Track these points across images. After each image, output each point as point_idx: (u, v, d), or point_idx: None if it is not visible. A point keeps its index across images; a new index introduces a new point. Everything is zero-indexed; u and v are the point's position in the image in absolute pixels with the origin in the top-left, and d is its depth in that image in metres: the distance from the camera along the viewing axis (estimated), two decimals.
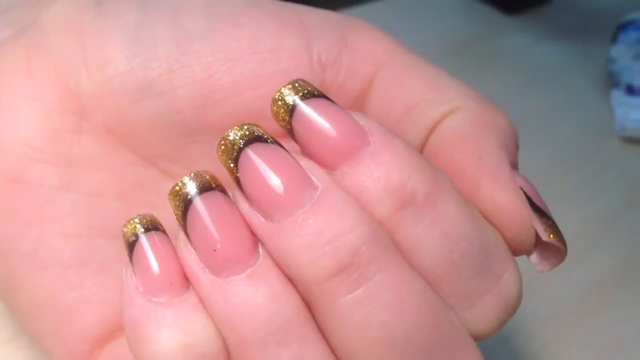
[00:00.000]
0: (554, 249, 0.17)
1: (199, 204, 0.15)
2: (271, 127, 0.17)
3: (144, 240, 0.16)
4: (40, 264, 0.18)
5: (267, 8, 0.20)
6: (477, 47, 0.51)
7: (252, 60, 0.19)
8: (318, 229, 0.15)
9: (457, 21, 0.54)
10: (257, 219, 0.15)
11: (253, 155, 0.15)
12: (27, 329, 0.19)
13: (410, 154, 0.16)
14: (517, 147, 0.19)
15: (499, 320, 0.16)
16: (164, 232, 0.16)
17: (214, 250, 0.15)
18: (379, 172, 0.15)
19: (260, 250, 0.16)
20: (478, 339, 0.17)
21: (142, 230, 0.16)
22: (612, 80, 0.44)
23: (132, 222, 0.16)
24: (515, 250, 0.17)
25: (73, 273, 0.18)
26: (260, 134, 0.16)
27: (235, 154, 0.16)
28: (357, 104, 0.19)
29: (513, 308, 0.17)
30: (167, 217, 0.17)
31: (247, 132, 0.16)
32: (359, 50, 0.19)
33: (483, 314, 0.16)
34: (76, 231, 0.18)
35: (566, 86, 0.47)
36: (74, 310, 0.18)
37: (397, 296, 0.15)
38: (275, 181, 0.15)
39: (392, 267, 0.15)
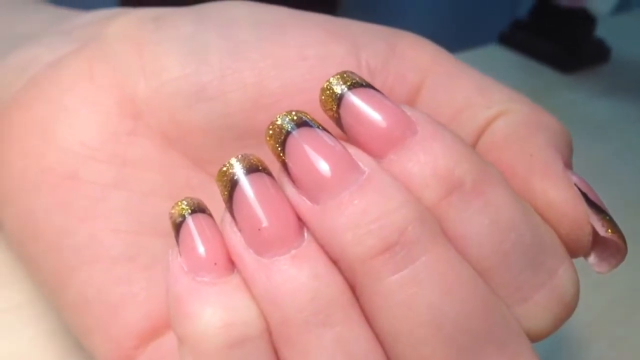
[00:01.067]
0: (613, 248, 0.17)
1: (245, 184, 0.16)
2: None
3: (190, 221, 0.16)
4: (90, 258, 0.18)
5: (313, 18, 0.20)
6: (533, 101, 0.50)
7: (300, 67, 0.19)
8: (363, 207, 0.15)
9: (515, 78, 0.54)
10: (302, 202, 0.15)
11: (300, 139, 0.16)
12: (72, 324, 0.19)
13: (458, 142, 0.16)
14: (570, 149, 0.18)
15: (554, 318, 0.16)
16: (210, 215, 0.17)
17: (259, 230, 0.15)
18: (427, 158, 0.15)
19: (306, 234, 0.15)
20: (533, 339, 0.16)
21: (189, 211, 0.16)
22: None
23: (179, 203, 0.17)
24: (572, 249, 0.16)
25: (121, 268, 0.18)
26: (307, 120, 0.16)
27: (282, 138, 0.16)
28: None
29: (570, 306, 0.16)
30: (215, 218, 0.17)
31: (295, 117, 0.16)
32: (406, 57, 0.19)
33: (537, 310, 0.16)
34: (126, 228, 0.19)
35: (620, 141, 0.46)
36: (120, 306, 0.18)
37: (445, 279, 0.14)
38: (321, 164, 0.15)
39: (439, 250, 0.15)
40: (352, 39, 0.20)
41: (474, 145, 0.18)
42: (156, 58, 0.20)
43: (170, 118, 0.19)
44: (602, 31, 0.57)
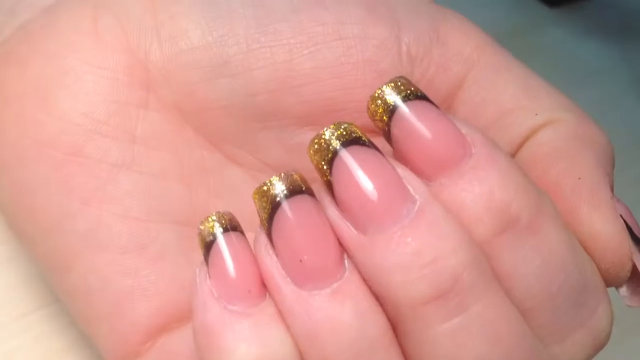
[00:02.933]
0: None
1: (287, 208, 0.14)
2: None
3: (222, 241, 0.15)
4: (96, 246, 0.17)
5: None
6: (517, 40, 0.49)
7: (336, 46, 0.17)
8: (417, 248, 0.14)
9: (498, 12, 0.52)
10: (346, 229, 0.14)
11: (350, 159, 0.14)
12: (74, 312, 0.18)
13: (515, 171, 0.15)
14: (613, 166, 0.17)
15: (586, 357, 0.15)
16: (242, 233, 0.15)
17: (300, 261, 0.14)
18: (482, 188, 0.14)
19: (346, 262, 0.14)
20: None
21: (221, 230, 0.15)
22: None
23: (210, 220, 0.15)
24: (607, 282, 0.16)
25: (130, 258, 0.17)
26: (358, 136, 0.14)
27: (330, 156, 0.14)
28: (444, 104, 0.18)
29: (601, 345, 0.16)
30: (229, 207, 0.16)
31: (344, 132, 0.14)
32: (450, 44, 0.18)
33: (573, 349, 0.15)
34: (136, 213, 0.17)
35: (604, 87, 0.45)
36: (128, 298, 0.17)
37: (495, 328, 0.14)
38: (372, 191, 0.14)
39: (491, 296, 0.14)
40: (395, 20, 0.18)
41: (514, 153, 0.17)
42: (173, 19, 0.17)
43: (186, 92, 0.17)
44: None
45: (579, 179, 0.16)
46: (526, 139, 0.17)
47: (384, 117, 0.15)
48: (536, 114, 0.17)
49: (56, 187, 0.17)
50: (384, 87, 0.15)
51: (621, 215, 0.16)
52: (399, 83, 0.15)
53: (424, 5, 0.19)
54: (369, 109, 0.15)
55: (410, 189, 0.14)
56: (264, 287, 0.15)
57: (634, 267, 0.16)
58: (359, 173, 0.14)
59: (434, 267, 0.13)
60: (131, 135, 0.17)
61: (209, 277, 0.15)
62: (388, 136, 0.15)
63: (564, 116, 0.17)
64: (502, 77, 0.18)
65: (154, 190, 0.17)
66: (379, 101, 0.15)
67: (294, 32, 0.17)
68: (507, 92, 0.18)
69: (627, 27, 0.53)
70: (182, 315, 0.17)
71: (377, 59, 0.17)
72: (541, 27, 0.51)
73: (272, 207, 0.14)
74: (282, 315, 0.14)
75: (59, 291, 0.18)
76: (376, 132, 0.15)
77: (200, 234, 0.15)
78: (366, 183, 0.14)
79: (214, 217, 0.15)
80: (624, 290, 0.17)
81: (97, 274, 0.17)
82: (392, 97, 0.15)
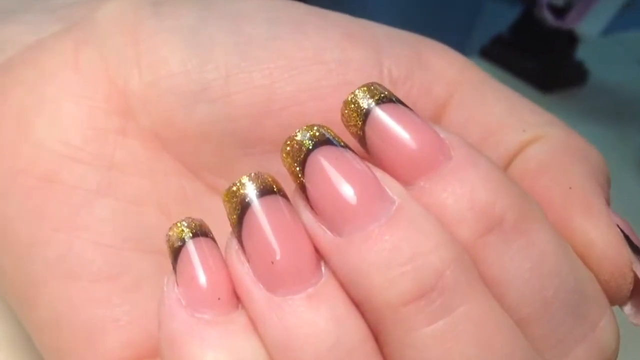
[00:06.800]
0: None
1: (258, 208, 0.14)
2: None
3: (191, 246, 0.14)
4: (65, 274, 0.16)
5: (333, 18, 0.18)
6: None
7: (316, 70, 0.17)
8: (395, 244, 0.13)
9: None
10: (321, 232, 0.13)
11: (323, 160, 0.14)
12: (41, 345, 0.17)
13: (496, 171, 0.14)
14: (609, 184, 0.17)
15: None
16: (213, 239, 0.14)
17: (272, 263, 0.13)
18: (463, 189, 0.14)
19: (323, 268, 0.14)
20: None
21: (190, 235, 0.14)
22: None
23: (179, 225, 0.14)
24: (610, 298, 0.15)
25: (101, 287, 0.16)
26: (330, 137, 0.14)
27: (302, 157, 0.14)
28: None
29: None
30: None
31: (316, 133, 0.14)
32: (432, 68, 0.18)
33: None
34: (110, 241, 0.16)
35: None
36: (99, 330, 0.16)
37: (485, 332, 0.13)
38: (346, 190, 0.13)
39: (478, 297, 0.13)
40: (374, 44, 0.18)
41: (504, 170, 0.17)
42: (153, 49, 0.17)
43: (165, 118, 0.17)
44: (581, 53, 0.57)
45: (570, 188, 0.15)
46: (514, 155, 0.17)
47: (358, 122, 0.14)
48: (523, 130, 0.17)
49: (29, 214, 0.16)
50: (357, 91, 0.15)
51: (618, 226, 0.15)
52: (372, 87, 0.15)
53: (404, 33, 0.19)
54: (342, 114, 0.15)
55: (388, 190, 0.13)
56: (235, 296, 0.14)
57: (637, 281, 0.15)
58: (333, 173, 0.13)
59: (415, 264, 0.13)
60: (108, 161, 0.17)
61: (177, 284, 0.14)
62: (363, 142, 0.15)
63: (552, 131, 0.17)
64: (487, 98, 0.18)
65: (130, 217, 0.17)
66: (352, 105, 0.15)
67: (274, 57, 0.17)
68: (492, 111, 0.17)
69: (618, 110, 0.54)
70: (155, 350, 0.16)
71: (357, 82, 0.17)
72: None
73: (242, 208, 0.14)
74: (254, 324, 0.13)
75: (26, 324, 0.17)
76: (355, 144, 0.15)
77: (169, 239, 0.14)
78: (341, 183, 0.13)
79: (184, 223, 0.14)
80: (628, 308, 0.15)
81: (66, 303, 0.16)
82: (366, 100, 0.14)
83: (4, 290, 0.17)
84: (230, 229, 0.14)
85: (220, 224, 0.18)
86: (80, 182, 0.17)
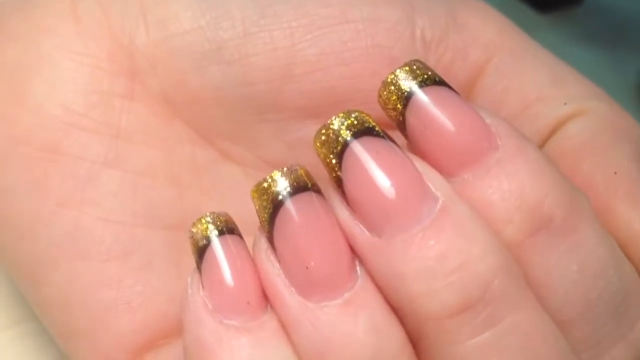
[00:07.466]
0: None
1: (291, 208, 0.13)
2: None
3: (217, 246, 0.13)
4: (74, 253, 0.15)
5: None
6: None
7: (343, 30, 0.16)
8: (441, 252, 0.12)
9: None
10: (358, 231, 0.13)
11: (362, 152, 0.12)
12: (50, 325, 0.16)
13: (547, 165, 0.13)
14: None
15: None
16: (240, 236, 0.13)
17: (307, 268, 0.12)
18: (511, 185, 0.13)
19: (358, 268, 0.13)
20: None
21: (216, 233, 0.13)
22: None
23: (203, 221, 0.13)
24: None
25: (112, 267, 0.15)
26: (371, 126, 0.13)
27: (339, 148, 0.13)
28: (462, 93, 0.16)
29: None
30: (224, 208, 0.14)
31: (355, 122, 0.13)
32: (469, 29, 0.16)
33: None
34: (120, 217, 0.15)
35: None
36: (111, 312, 0.15)
37: (530, 344, 0.12)
38: (388, 187, 0.12)
39: (525, 307, 0.12)
40: (407, 1, 0.16)
41: (541, 146, 0.16)
42: (161, 2, 0.16)
43: (176, 81, 0.16)
44: None
45: (615, 173, 0.15)
46: (554, 130, 0.16)
47: (398, 105, 0.13)
48: (565, 103, 0.16)
49: (30, 189, 0.15)
50: (398, 71, 0.13)
51: None
52: (415, 67, 0.13)
53: None
54: (380, 96, 0.13)
55: (431, 185, 0.12)
56: (264, 298, 0.13)
57: None
58: (373, 168, 0.12)
59: (461, 274, 0.12)
60: (114, 129, 0.16)
61: (203, 287, 0.13)
62: (403, 127, 0.13)
63: (595, 106, 0.16)
64: (527, 64, 0.16)
65: (140, 190, 0.16)
66: (392, 87, 0.13)
67: (296, 15, 0.16)
68: (532, 80, 0.16)
69: (616, 33, 0.53)
70: (170, 331, 0.15)
71: (388, 44, 0.16)
72: (531, 32, 0.50)
73: (273, 207, 0.13)
74: (286, 330, 0.13)
75: (34, 304, 0.16)
76: (390, 125, 0.14)
77: (193, 237, 0.13)
78: (381, 179, 0.12)
79: (208, 219, 0.13)
80: None
81: (76, 284, 0.15)
82: (408, 82, 0.13)
83: (5, 267, 0.16)
84: (247, 201, 0.14)
85: (234, 194, 0.17)
86: (85, 152, 0.15)
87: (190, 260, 0.14)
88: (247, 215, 0.14)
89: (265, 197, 0.13)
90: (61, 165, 0.15)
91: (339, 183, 0.13)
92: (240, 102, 0.16)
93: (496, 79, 0.16)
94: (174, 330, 0.15)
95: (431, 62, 0.16)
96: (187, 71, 0.16)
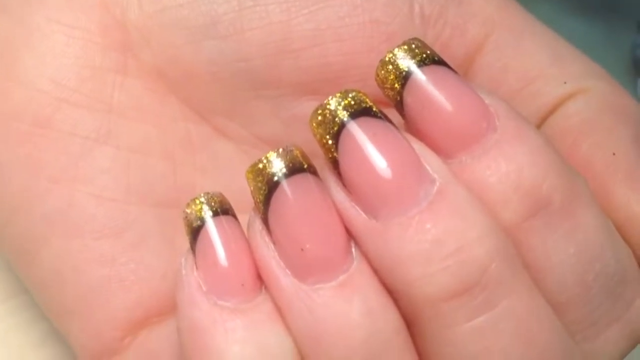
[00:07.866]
0: None
1: (287, 189, 0.12)
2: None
3: (211, 227, 0.13)
4: (67, 230, 0.15)
5: None
6: None
7: (340, 5, 0.15)
8: (438, 235, 0.12)
9: None
10: (354, 213, 0.12)
11: (359, 133, 0.12)
12: (42, 303, 0.16)
13: (546, 146, 0.13)
14: None
15: (621, 354, 0.14)
16: (234, 217, 0.13)
17: (302, 250, 0.12)
18: (509, 166, 0.12)
19: (353, 250, 0.13)
20: None
21: (210, 213, 0.13)
22: (638, 69, 0.42)
23: (197, 202, 0.13)
24: None
25: (105, 244, 0.15)
26: (368, 106, 0.13)
27: (336, 129, 0.12)
28: (461, 70, 0.16)
29: (637, 341, 0.14)
30: (218, 186, 0.14)
31: (352, 102, 0.13)
32: (468, 4, 0.16)
33: (606, 347, 0.13)
34: (112, 194, 0.15)
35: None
36: (104, 290, 0.15)
37: (527, 328, 0.12)
38: (385, 169, 0.12)
39: (522, 290, 0.12)
40: None
41: (539, 126, 0.16)
42: None
43: (170, 55, 0.15)
44: None
45: (613, 154, 0.15)
46: (553, 110, 0.16)
47: (396, 85, 0.13)
48: (564, 82, 0.16)
49: (21, 164, 0.15)
50: (396, 50, 0.13)
51: None
52: (413, 45, 0.13)
53: None
54: (378, 75, 0.13)
55: (428, 167, 0.12)
56: (259, 279, 0.13)
57: None
58: (370, 148, 0.12)
59: (458, 258, 0.12)
60: (107, 104, 0.15)
61: (197, 268, 0.13)
62: (400, 107, 0.13)
63: (595, 85, 0.16)
64: (526, 41, 0.16)
65: (133, 167, 0.15)
66: (390, 66, 0.13)
67: None
68: (531, 57, 0.16)
69: (611, 5, 0.52)
70: (164, 309, 0.15)
71: (386, 20, 0.15)
72: (525, 3, 0.50)
73: (268, 188, 0.12)
74: (280, 312, 0.13)
75: (26, 280, 0.16)
76: (386, 104, 0.14)
77: (187, 218, 0.13)
78: (378, 160, 0.12)
79: (203, 199, 0.13)
80: None
81: (69, 262, 0.15)
82: (406, 61, 0.13)
83: None
84: (241, 178, 0.13)
85: (229, 171, 0.16)
86: (77, 128, 0.15)
87: (183, 238, 0.14)
88: (241, 193, 0.14)
89: (261, 178, 0.13)
90: (53, 141, 0.15)
91: (335, 164, 0.13)
92: (235, 78, 0.16)
93: (495, 56, 0.16)
94: (168, 307, 0.15)
95: (429, 38, 0.16)
96: (181, 45, 0.15)
